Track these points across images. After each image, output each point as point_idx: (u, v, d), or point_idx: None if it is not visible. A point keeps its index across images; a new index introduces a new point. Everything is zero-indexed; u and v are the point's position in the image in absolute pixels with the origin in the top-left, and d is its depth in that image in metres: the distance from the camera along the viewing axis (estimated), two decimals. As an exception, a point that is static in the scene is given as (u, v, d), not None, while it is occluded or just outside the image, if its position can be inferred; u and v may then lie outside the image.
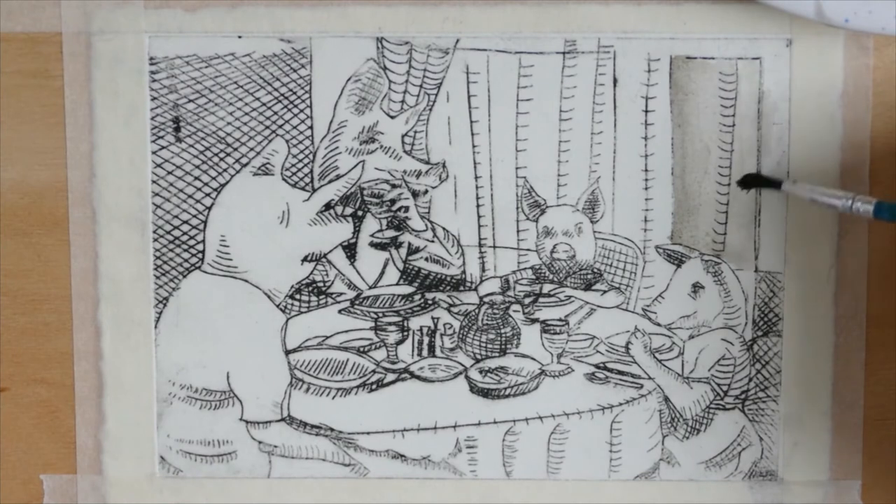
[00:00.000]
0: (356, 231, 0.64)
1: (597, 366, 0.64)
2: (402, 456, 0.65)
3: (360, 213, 0.64)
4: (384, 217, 0.64)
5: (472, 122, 0.63)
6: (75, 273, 0.64)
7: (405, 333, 0.65)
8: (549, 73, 0.62)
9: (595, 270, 0.64)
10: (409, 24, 0.62)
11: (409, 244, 0.64)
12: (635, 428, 0.65)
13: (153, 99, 0.63)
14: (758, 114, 0.62)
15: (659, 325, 0.64)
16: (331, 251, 0.64)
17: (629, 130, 0.63)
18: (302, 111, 0.63)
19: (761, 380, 0.64)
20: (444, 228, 0.64)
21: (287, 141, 0.63)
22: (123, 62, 0.62)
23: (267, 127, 0.63)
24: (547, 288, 0.64)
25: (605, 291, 0.64)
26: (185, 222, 0.64)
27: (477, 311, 0.64)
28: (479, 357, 0.65)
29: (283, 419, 0.65)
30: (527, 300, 0.64)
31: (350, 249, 0.64)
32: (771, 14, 0.61)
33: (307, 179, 0.63)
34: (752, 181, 0.62)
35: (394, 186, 0.64)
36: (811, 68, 0.62)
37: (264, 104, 0.63)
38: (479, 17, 0.62)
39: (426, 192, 0.64)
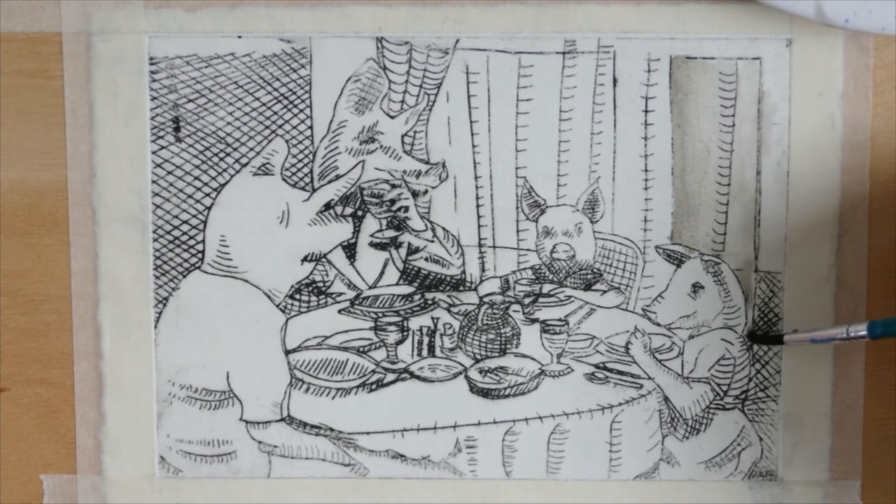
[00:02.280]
0: (356, 231, 0.64)
1: (597, 366, 0.64)
2: (402, 456, 0.65)
3: (359, 213, 0.64)
4: (384, 217, 0.64)
5: (471, 122, 0.63)
6: (75, 273, 0.64)
7: (405, 333, 0.65)
8: (549, 73, 0.62)
9: (595, 270, 0.64)
10: (409, 24, 0.62)
11: (409, 244, 0.64)
12: (635, 428, 0.65)
13: (153, 99, 0.63)
14: (758, 114, 0.62)
15: (659, 325, 0.64)
16: (331, 251, 0.64)
17: (629, 130, 0.63)
18: (302, 111, 0.63)
19: (761, 380, 0.64)
20: (443, 228, 0.64)
21: (287, 141, 0.63)
22: (123, 62, 0.62)
23: (267, 127, 0.63)
24: (547, 288, 0.64)
25: (604, 291, 0.64)
26: (185, 222, 0.64)
27: (477, 311, 0.64)
28: (478, 357, 0.65)
29: (282, 419, 0.65)
30: (527, 300, 0.64)
31: (350, 249, 0.64)
32: (771, 14, 0.61)
33: (307, 179, 0.64)
34: (757, 338, 0.63)
35: (394, 186, 0.64)
36: (811, 68, 0.62)
37: (264, 104, 0.63)
38: (479, 17, 0.62)
39: (426, 192, 0.64)
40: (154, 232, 0.64)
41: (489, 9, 0.62)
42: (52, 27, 0.62)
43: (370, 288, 0.64)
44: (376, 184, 0.64)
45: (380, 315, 0.64)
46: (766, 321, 0.63)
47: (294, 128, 0.63)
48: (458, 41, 0.62)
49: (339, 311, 0.64)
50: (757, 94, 0.62)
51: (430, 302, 0.64)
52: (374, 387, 0.65)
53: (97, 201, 0.63)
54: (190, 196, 0.64)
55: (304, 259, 0.64)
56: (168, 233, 0.64)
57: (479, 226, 0.64)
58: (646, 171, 0.63)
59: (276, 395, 0.65)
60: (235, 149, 0.63)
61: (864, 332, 0.58)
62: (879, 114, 0.62)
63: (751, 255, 0.63)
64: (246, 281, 0.64)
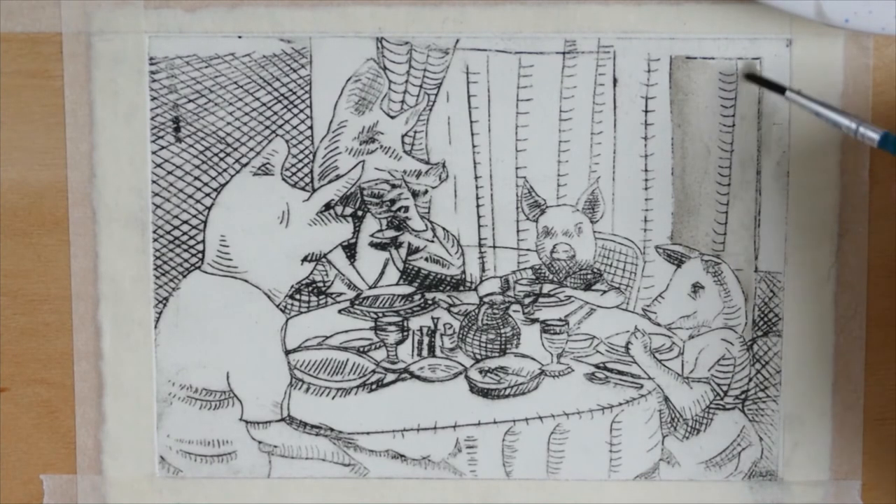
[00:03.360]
0: (356, 231, 0.64)
1: (597, 366, 0.64)
2: (402, 456, 0.65)
3: (360, 213, 0.64)
4: (384, 217, 0.64)
5: (472, 122, 0.63)
6: (75, 273, 0.64)
7: (405, 333, 0.65)
8: (549, 73, 0.62)
9: (595, 270, 0.64)
10: (409, 24, 0.62)
11: (409, 244, 0.64)
12: (635, 428, 0.65)
13: (153, 99, 0.63)
14: (758, 114, 0.62)
15: (659, 325, 0.64)
16: (331, 251, 0.64)
17: (629, 130, 0.63)
18: (302, 111, 0.63)
19: (761, 380, 0.64)
20: (444, 228, 0.64)
21: (287, 141, 0.63)
22: (123, 62, 0.62)
23: (267, 127, 0.63)
24: (547, 288, 0.64)
25: (605, 291, 0.64)
26: (185, 222, 0.64)
27: (477, 311, 0.64)
28: (478, 357, 0.65)
29: (283, 419, 0.65)
30: (527, 300, 0.64)
31: (350, 249, 0.64)
32: (771, 14, 0.61)
33: (307, 179, 0.64)
34: (756, 79, 0.62)
35: (394, 186, 0.64)
36: (811, 68, 0.62)
37: (264, 104, 0.63)
38: (479, 17, 0.62)
39: (426, 192, 0.64)
40: (154, 232, 0.64)
41: (489, 9, 0.62)
42: (52, 27, 0.62)
43: (370, 288, 0.64)
44: (376, 184, 0.64)
45: (380, 315, 0.64)
46: (766, 321, 0.64)
47: (294, 128, 0.63)
48: (458, 41, 0.62)
49: (340, 311, 0.64)
50: (757, 94, 0.62)
51: (430, 302, 0.64)
52: (374, 387, 0.65)
53: (97, 201, 0.63)
54: (190, 196, 0.64)
55: (304, 259, 0.64)
56: (168, 233, 0.64)
57: (479, 226, 0.64)
58: (646, 171, 0.63)
59: (277, 395, 0.65)
60: (235, 149, 0.63)
61: (875, 138, 0.56)
62: (879, 114, 0.62)
63: (751, 255, 0.63)
64: (246, 281, 0.64)
